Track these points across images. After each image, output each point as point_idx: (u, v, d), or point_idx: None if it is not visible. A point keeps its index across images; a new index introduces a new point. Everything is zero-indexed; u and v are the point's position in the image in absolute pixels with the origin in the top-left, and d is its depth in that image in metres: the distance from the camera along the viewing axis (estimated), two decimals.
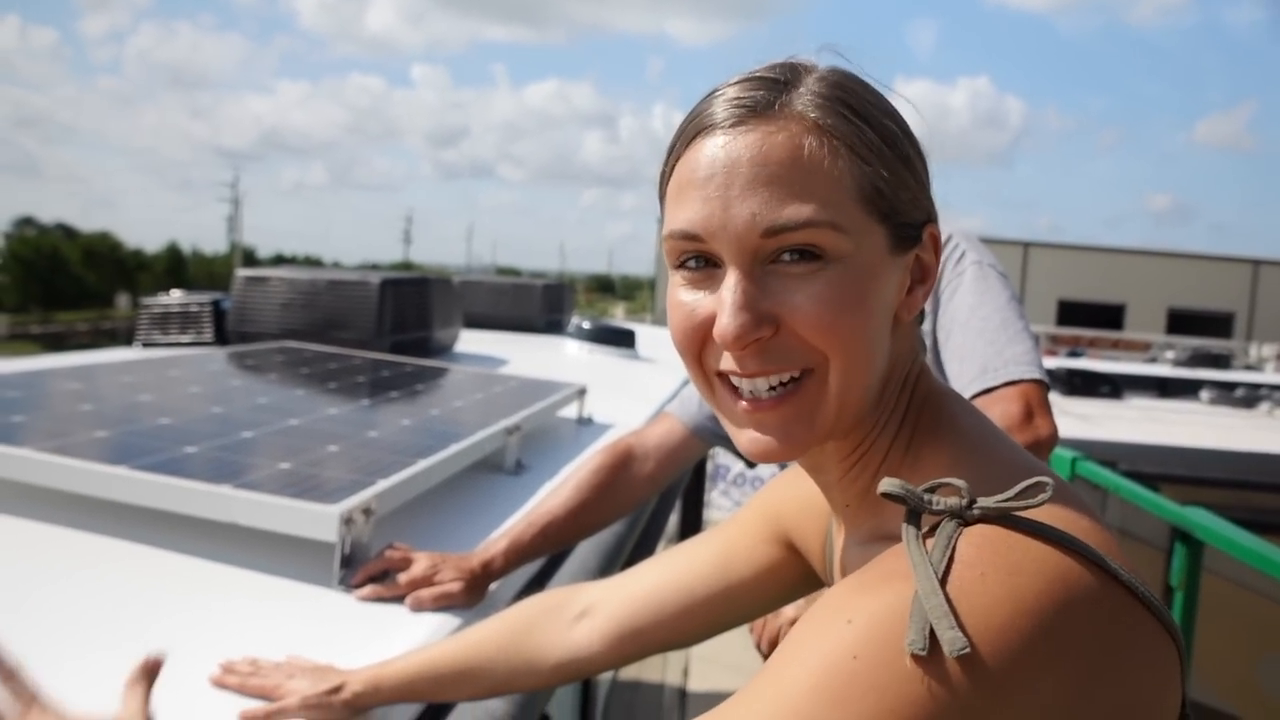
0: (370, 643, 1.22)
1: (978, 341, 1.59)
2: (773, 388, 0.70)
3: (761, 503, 1.03)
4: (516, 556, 1.49)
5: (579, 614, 1.05)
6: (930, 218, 0.74)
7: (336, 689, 1.03)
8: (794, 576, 0.99)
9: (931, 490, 0.63)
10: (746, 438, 0.72)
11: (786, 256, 0.68)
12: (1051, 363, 8.21)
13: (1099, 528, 0.64)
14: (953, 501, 0.62)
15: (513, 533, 1.52)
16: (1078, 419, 5.59)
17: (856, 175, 0.68)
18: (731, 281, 0.68)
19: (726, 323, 0.67)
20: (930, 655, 0.55)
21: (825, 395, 0.70)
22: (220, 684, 1.06)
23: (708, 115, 0.71)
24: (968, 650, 0.54)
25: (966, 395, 1.59)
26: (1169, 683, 0.63)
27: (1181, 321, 30.00)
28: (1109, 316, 30.10)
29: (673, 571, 1.03)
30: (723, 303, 0.68)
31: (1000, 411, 1.50)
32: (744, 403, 0.71)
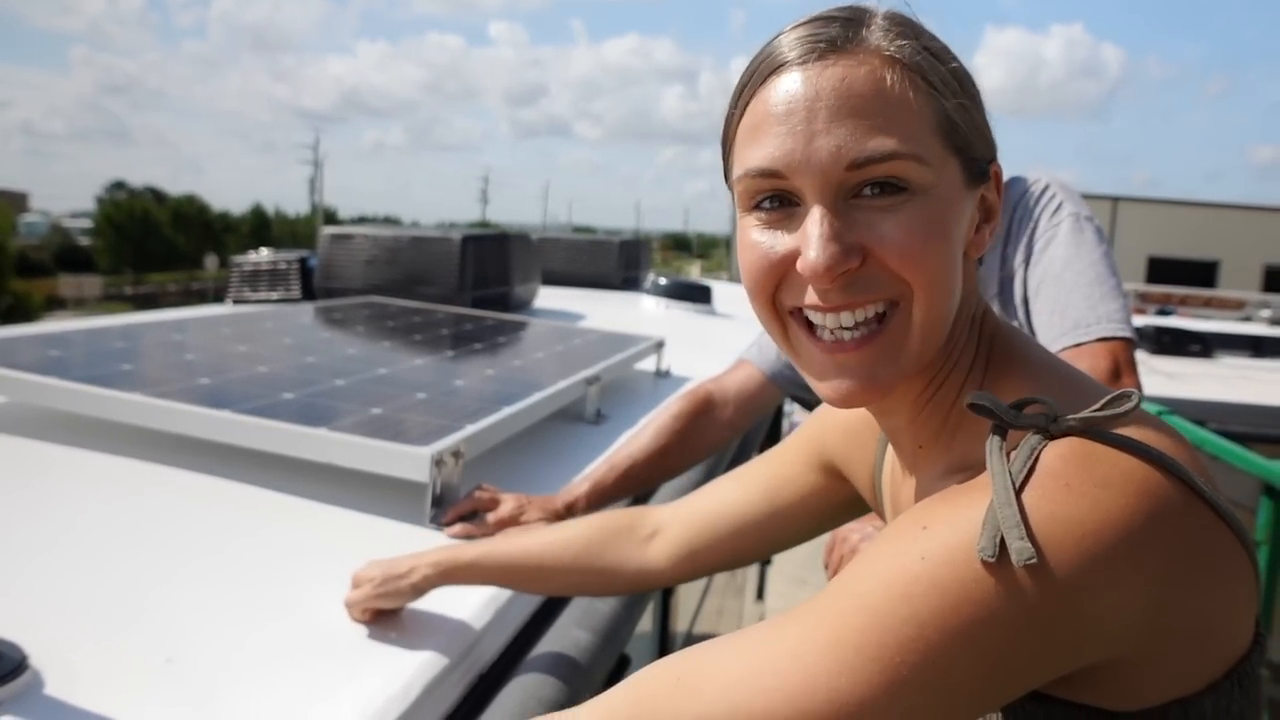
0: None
1: (1071, 295, 1.59)
2: (855, 326, 0.70)
3: (806, 432, 1.06)
4: (599, 498, 1.54)
5: (650, 534, 1.11)
6: (994, 155, 0.75)
7: (404, 574, 1.10)
8: (839, 501, 1.04)
9: (1019, 407, 0.65)
10: (829, 386, 0.72)
11: (869, 191, 0.68)
12: (1140, 321, 7.98)
13: (1184, 445, 0.64)
14: (1038, 416, 0.64)
15: (595, 475, 1.56)
16: (1165, 377, 5.44)
17: (934, 108, 0.68)
18: (817, 215, 0.68)
19: (815, 255, 0.67)
20: (998, 562, 0.57)
21: (909, 329, 0.70)
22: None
23: (780, 54, 0.71)
24: (1035, 560, 0.56)
25: (1056, 347, 1.59)
26: (1245, 603, 0.64)
27: (1278, 279, 28.85)
28: (1201, 274, 29.06)
29: (727, 497, 1.08)
30: (808, 237, 0.68)
31: (1088, 365, 1.51)
32: (824, 345, 0.72)
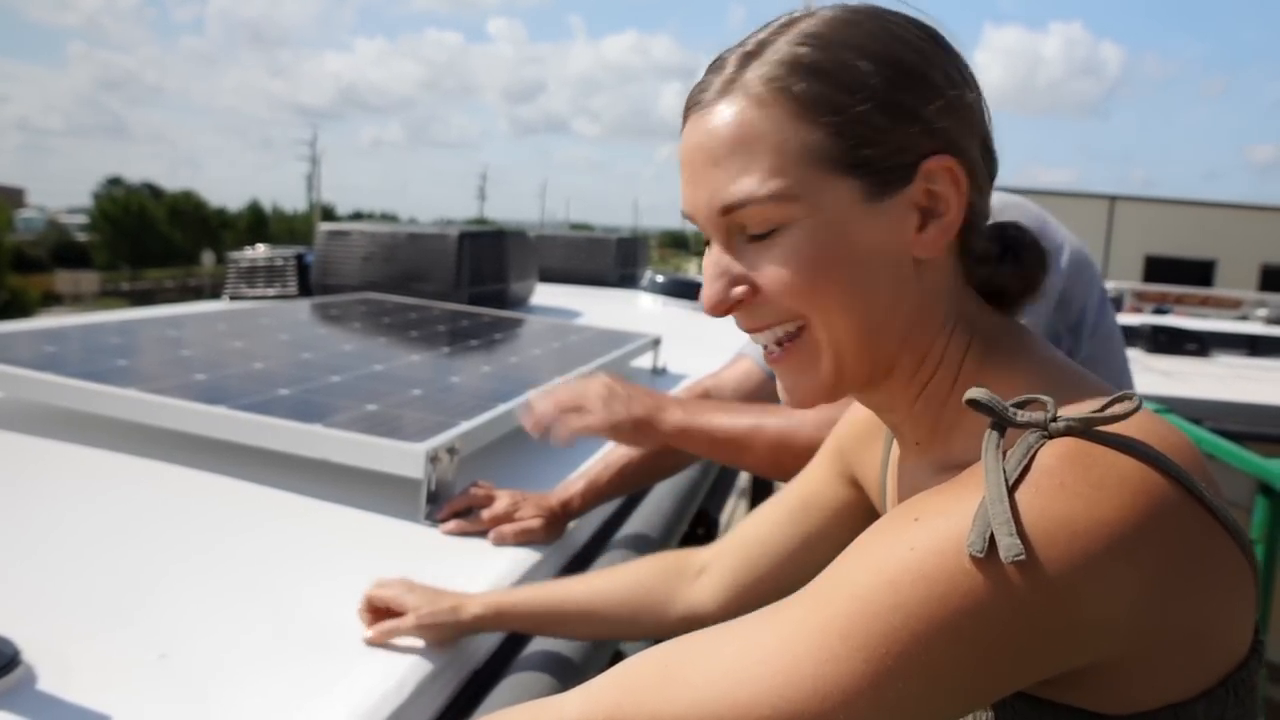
0: (455, 574, 1.27)
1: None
2: (777, 342, 0.76)
3: (828, 445, 1.04)
4: (594, 496, 1.54)
5: (699, 571, 1.09)
6: (934, 151, 0.71)
7: (453, 609, 1.08)
8: (869, 517, 0.96)
9: (1019, 405, 0.64)
10: (779, 386, 0.79)
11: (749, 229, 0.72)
12: (1136, 319, 8.00)
13: (1188, 448, 0.63)
14: (1037, 414, 0.63)
15: (590, 473, 1.56)
16: (1161, 376, 5.44)
17: (806, 137, 0.69)
18: (709, 255, 0.75)
19: (704, 292, 0.75)
20: (987, 558, 0.57)
21: (819, 348, 0.73)
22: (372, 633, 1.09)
23: (686, 100, 0.76)
24: (1023, 557, 0.56)
25: None
26: (1243, 610, 0.63)
27: (1275, 278, 28.86)
28: (1198, 273, 29.07)
29: (763, 526, 1.06)
30: (703, 274, 0.75)
31: None
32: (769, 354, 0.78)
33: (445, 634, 1.08)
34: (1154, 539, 0.58)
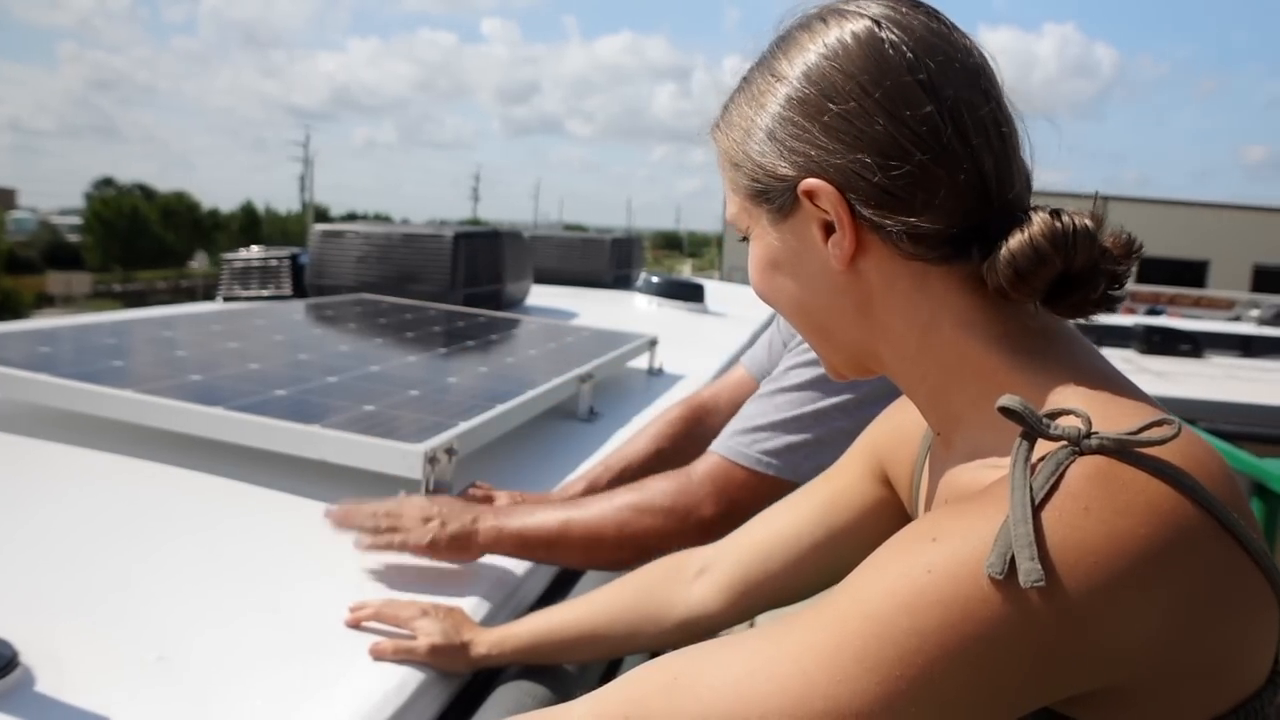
0: (454, 575, 1.27)
1: None
2: None
3: (864, 437, 1.01)
4: None
5: (697, 571, 1.04)
6: (798, 177, 0.73)
7: (465, 645, 1.08)
8: (898, 516, 0.94)
9: (1052, 416, 0.62)
10: None
11: None
12: (1130, 320, 8.02)
13: (1225, 475, 0.61)
14: (1071, 428, 0.61)
15: (590, 475, 1.56)
16: (1155, 376, 5.46)
17: (735, 177, 0.81)
18: None
19: None
20: (1005, 581, 0.55)
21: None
22: (353, 624, 1.10)
23: None
24: (1043, 583, 0.54)
25: None
26: (1263, 641, 0.62)
27: (1267, 279, 28.95)
28: (1191, 273, 29.15)
29: (777, 523, 1.02)
30: None
31: None
32: None
33: (454, 666, 1.08)
34: (1177, 571, 0.56)
